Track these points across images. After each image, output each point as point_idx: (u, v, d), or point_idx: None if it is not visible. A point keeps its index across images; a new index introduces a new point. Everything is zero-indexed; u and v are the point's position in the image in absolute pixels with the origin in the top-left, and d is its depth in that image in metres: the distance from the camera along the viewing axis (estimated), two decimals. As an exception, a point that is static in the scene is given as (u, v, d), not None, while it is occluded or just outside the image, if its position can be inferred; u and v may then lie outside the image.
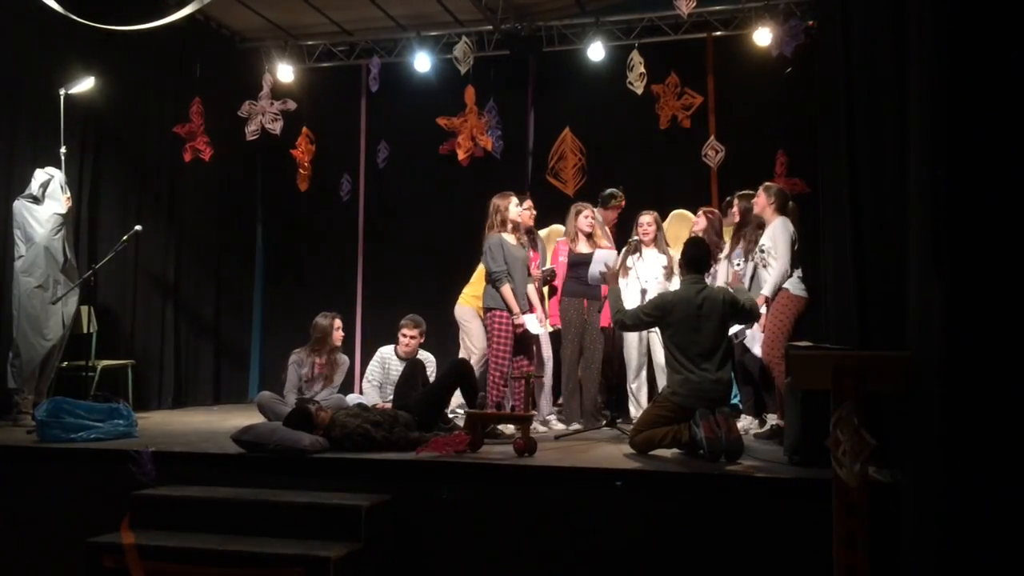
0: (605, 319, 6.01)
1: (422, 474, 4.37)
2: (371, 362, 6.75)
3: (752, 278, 5.73)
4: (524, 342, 5.94)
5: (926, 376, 2.87)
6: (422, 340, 6.59)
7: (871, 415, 3.15)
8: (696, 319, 4.78)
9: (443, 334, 7.99)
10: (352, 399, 6.41)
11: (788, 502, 3.85)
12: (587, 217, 6.33)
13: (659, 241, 6.35)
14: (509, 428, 5.38)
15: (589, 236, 6.33)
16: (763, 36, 7.58)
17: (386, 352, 6.69)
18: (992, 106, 2.60)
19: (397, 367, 6.50)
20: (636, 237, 6.31)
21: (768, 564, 3.78)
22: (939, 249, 2.67)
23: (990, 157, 2.60)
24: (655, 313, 4.91)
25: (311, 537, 3.98)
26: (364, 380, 6.77)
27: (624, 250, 6.26)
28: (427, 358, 6.52)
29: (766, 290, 5.31)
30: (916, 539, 3.01)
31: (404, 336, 6.52)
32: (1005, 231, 2.56)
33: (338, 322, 6.60)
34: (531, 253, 6.32)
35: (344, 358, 6.67)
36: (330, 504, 4.12)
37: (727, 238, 6.30)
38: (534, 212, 6.53)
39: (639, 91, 7.80)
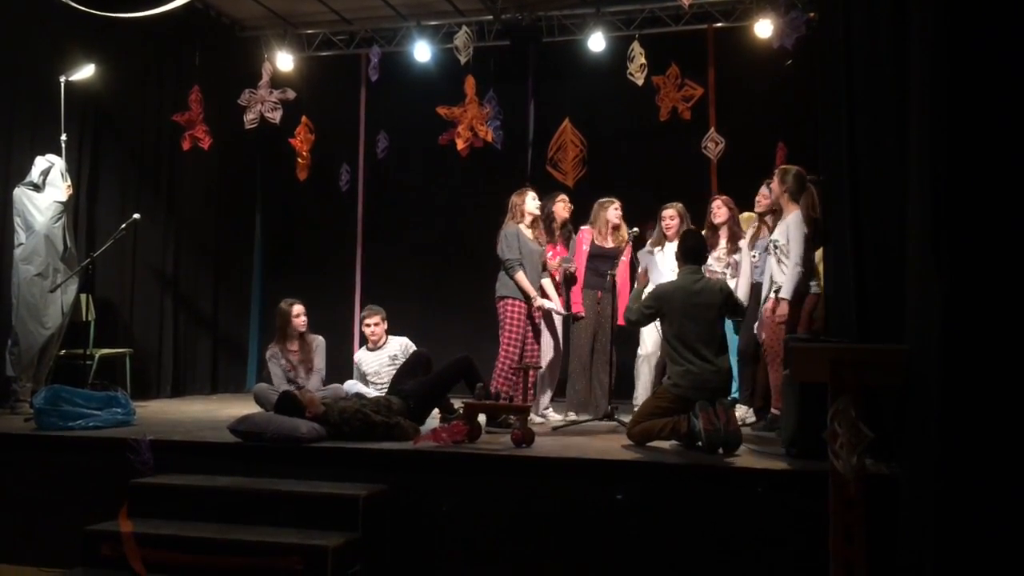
0: (621, 318, 6.03)
1: (420, 464, 4.38)
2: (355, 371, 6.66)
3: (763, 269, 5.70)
4: (537, 332, 5.95)
5: (924, 369, 2.87)
6: (386, 325, 6.53)
7: (869, 408, 3.16)
8: (694, 308, 4.80)
9: (440, 325, 8.01)
10: (349, 385, 6.37)
11: (785, 494, 3.86)
12: (617, 210, 6.37)
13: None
14: None
15: (616, 229, 6.35)
16: (764, 28, 7.56)
17: (358, 358, 6.65)
18: (993, 101, 2.60)
19: (371, 359, 6.48)
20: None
21: (765, 556, 3.79)
22: (938, 243, 2.67)
23: (990, 152, 2.60)
24: (654, 304, 4.94)
25: (309, 526, 3.99)
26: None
27: (649, 243, 6.33)
28: (403, 342, 6.52)
29: (784, 292, 5.22)
30: (913, 531, 3.02)
31: (368, 327, 6.47)
32: (1004, 226, 2.56)
33: (297, 308, 6.45)
34: (558, 247, 6.34)
35: (317, 339, 6.57)
36: (328, 494, 4.13)
37: (745, 227, 6.26)
38: (570, 206, 6.49)
39: (639, 82, 7.78)
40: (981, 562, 2.53)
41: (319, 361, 6.48)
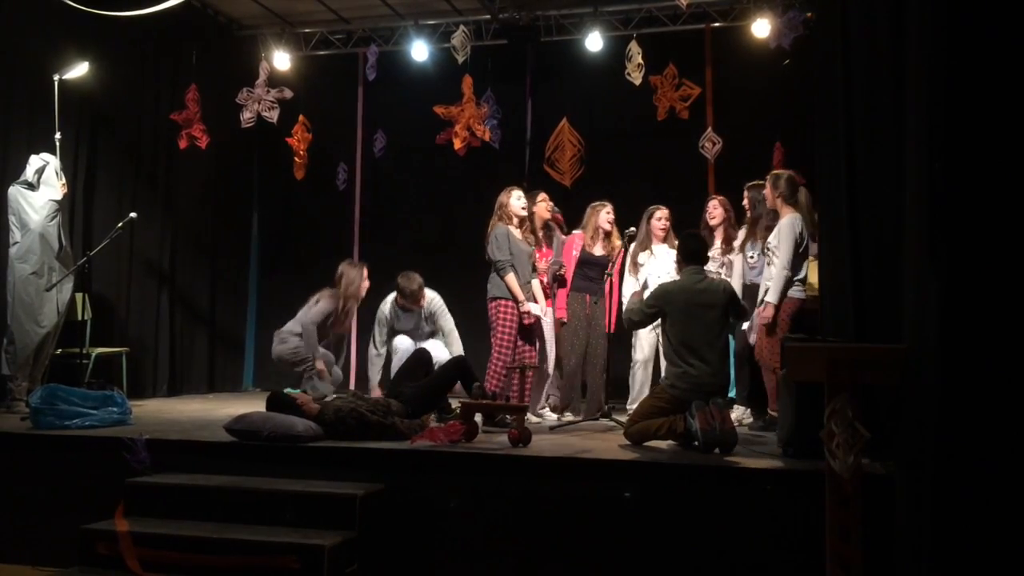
0: (612, 324, 6.00)
1: (417, 463, 4.38)
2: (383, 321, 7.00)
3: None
4: (529, 333, 5.94)
5: (921, 369, 2.87)
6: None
7: (865, 407, 3.16)
8: (697, 308, 4.76)
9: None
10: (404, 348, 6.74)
11: (782, 494, 3.86)
12: (609, 214, 6.32)
13: (670, 236, 6.33)
14: None
15: (608, 236, 6.31)
16: (761, 27, 7.57)
17: (390, 313, 6.98)
18: (990, 100, 2.60)
19: (406, 317, 6.92)
20: (632, 229, 6.29)
21: (762, 555, 3.78)
22: (935, 242, 2.67)
23: (987, 151, 2.60)
24: (656, 304, 4.90)
25: (306, 526, 3.98)
26: (378, 344, 7.03)
27: (634, 247, 6.28)
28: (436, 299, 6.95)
29: (771, 296, 5.27)
30: (909, 530, 3.02)
31: (420, 299, 6.92)
32: (1001, 225, 2.56)
33: (366, 271, 7.23)
34: (544, 248, 6.32)
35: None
36: (325, 493, 4.12)
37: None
38: (551, 204, 6.49)
39: (637, 82, 7.79)
40: (977, 560, 2.54)
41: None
